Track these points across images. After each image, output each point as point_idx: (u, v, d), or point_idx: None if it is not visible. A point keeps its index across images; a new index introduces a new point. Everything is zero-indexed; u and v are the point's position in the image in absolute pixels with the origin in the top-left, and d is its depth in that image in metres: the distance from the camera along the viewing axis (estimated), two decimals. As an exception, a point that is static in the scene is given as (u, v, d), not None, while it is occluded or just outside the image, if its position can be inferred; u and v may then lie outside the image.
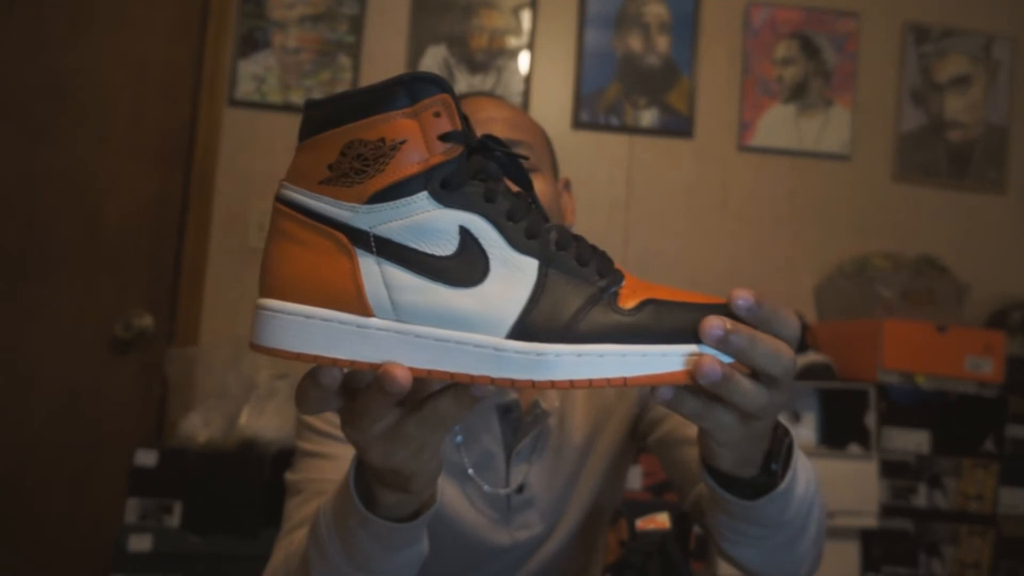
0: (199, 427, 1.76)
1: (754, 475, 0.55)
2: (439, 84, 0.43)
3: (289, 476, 0.80)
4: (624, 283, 0.46)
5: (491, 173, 0.46)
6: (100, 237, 2.06)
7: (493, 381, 0.43)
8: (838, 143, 2.33)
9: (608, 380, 0.43)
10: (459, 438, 0.82)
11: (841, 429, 1.93)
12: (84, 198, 2.06)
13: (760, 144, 2.31)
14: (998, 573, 1.93)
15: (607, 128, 2.26)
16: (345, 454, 0.75)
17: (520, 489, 0.82)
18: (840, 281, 2.18)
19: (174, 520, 1.65)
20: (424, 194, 0.43)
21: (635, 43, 2.29)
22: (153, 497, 1.66)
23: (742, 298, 0.43)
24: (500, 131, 0.81)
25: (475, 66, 2.23)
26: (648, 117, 2.28)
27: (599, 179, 2.25)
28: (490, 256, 0.44)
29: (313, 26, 2.19)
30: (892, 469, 1.90)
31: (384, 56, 2.21)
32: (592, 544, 0.91)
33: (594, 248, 0.48)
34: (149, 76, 2.12)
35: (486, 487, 0.81)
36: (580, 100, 2.26)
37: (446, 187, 0.43)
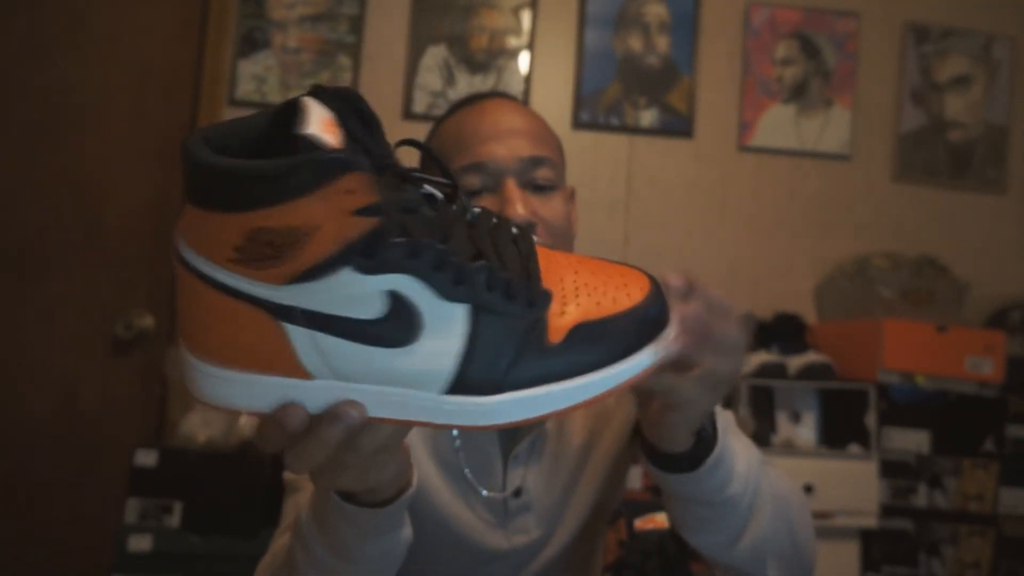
0: (199, 427, 1.76)
1: (690, 447, 0.61)
2: (346, 162, 0.39)
3: (287, 475, 0.80)
4: (552, 302, 0.46)
5: (410, 204, 0.43)
6: (101, 237, 2.06)
7: (435, 426, 0.45)
8: (838, 143, 2.33)
9: (562, 410, 0.45)
10: (457, 442, 0.82)
11: (841, 429, 1.93)
12: (84, 198, 2.06)
13: (760, 144, 2.31)
14: (998, 573, 1.93)
15: (607, 128, 2.26)
16: None
17: (517, 493, 0.82)
18: (840, 281, 2.18)
19: (174, 520, 1.66)
20: (347, 269, 0.41)
21: (635, 43, 2.29)
22: (153, 497, 1.66)
23: (677, 279, 0.48)
24: (525, 147, 0.79)
25: (475, 66, 2.23)
26: (648, 117, 2.28)
27: (599, 179, 2.25)
28: (422, 311, 0.43)
29: (313, 26, 2.19)
30: (892, 469, 1.90)
31: (384, 56, 2.22)
32: (591, 548, 0.90)
33: (523, 256, 0.47)
34: (149, 76, 2.12)
35: (483, 491, 0.81)
36: (580, 100, 2.26)
37: (368, 256, 0.41)
